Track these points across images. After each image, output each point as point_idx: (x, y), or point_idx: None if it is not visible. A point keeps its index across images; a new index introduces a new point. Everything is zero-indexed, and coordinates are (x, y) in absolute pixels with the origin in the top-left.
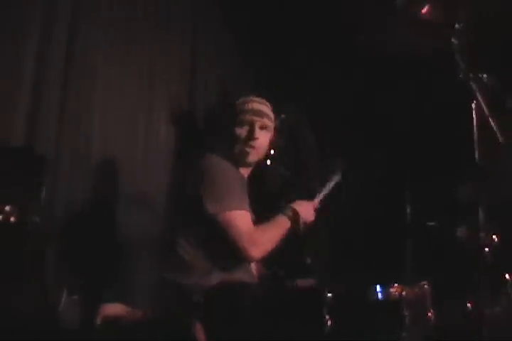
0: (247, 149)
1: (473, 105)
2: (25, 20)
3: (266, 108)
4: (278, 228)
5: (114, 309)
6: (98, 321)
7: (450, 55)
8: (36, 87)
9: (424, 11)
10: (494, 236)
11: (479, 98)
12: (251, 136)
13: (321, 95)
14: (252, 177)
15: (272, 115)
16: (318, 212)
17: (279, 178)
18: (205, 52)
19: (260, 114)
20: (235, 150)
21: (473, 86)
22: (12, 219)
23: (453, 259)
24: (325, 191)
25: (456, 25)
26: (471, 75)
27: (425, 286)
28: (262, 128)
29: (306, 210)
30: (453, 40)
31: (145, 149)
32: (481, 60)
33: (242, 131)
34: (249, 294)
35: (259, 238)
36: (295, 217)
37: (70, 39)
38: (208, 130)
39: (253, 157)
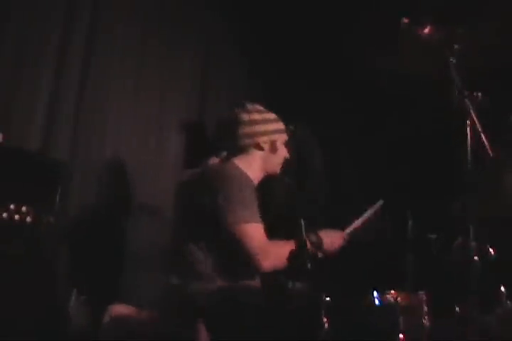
0: (279, 166)
1: (467, 122)
2: (45, 34)
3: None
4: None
5: (121, 309)
6: (105, 321)
7: (447, 74)
8: (53, 96)
9: (425, 31)
10: (490, 249)
11: (473, 115)
12: (286, 155)
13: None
14: (259, 185)
15: None
16: (345, 244)
17: (284, 188)
18: (216, 65)
19: (285, 131)
20: (259, 160)
21: (468, 103)
22: (28, 219)
23: (449, 268)
24: (356, 224)
25: (456, 46)
26: (466, 93)
27: (421, 294)
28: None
29: (332, 241)
30: (451, 59)
31: (156, 156)
32: (477, 79)
33: (276, 151)
34: (250, 297)
35: (273, 252)
36: (318, 244)
37: (86, 51)
38: (219, 136)
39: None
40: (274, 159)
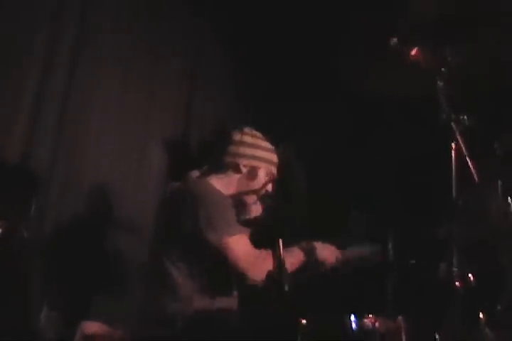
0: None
1: (452, 145)
2: (29, 44)
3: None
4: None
5: (93, 327)
6: (76, 339)
7: (434, 97)
8: (35, 109)
9: (413, 53)
10: (470, 275)
11: (459, 139)
12: (266, 187)
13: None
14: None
15: None
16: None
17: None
18: (203, 84)
19: (275, 165)
20: (234, 182)
21: (454, 127)
22: None
23: (430, 295)
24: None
25: (443, 69)
26: (452, 117)
27: (400, 320)
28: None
29: (327, 250)
30: (438, 82)
31: (137, 174)
32: (464, 103)
33: (255, 179)
34: (227, 320)
35: (262, 260)
36: (310, 250)
37: (71, 65)
38: (205, 149)
39: None
40: (250, 186)
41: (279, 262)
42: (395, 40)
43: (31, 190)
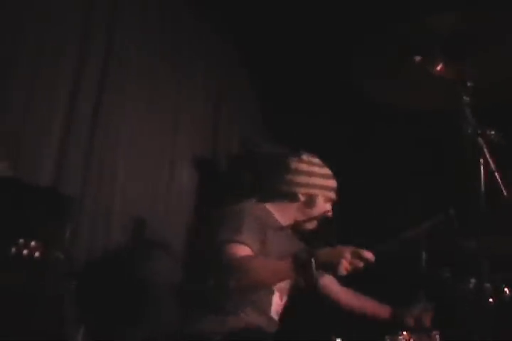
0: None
1: (480, 160)
2: (57, 71)
3: None
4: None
5: None
6: None
7: (460, 111)
8: (65, 132)
9: (438, 68)
10: (506, 289)
11: (486, 154)
12: (326, 213)
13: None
14: None
15: None
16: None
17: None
18: (228, 106)
19: (334, 190)
20: (291, 210)
21: (481, 142)
22: (36, 254)
23: (463, 309)
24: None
25: (469, 83)
26: (479, 131)
27: (436, 335)
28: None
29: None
30: (464, 97)
31: (167, 196)
32: (490, 118)
33: (313, 207)
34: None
35: (250, 268)
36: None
37: (98, 93)
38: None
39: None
40: (309, 214)
41: (311, 283)
42: (418, 57)
43: (66, 211)
